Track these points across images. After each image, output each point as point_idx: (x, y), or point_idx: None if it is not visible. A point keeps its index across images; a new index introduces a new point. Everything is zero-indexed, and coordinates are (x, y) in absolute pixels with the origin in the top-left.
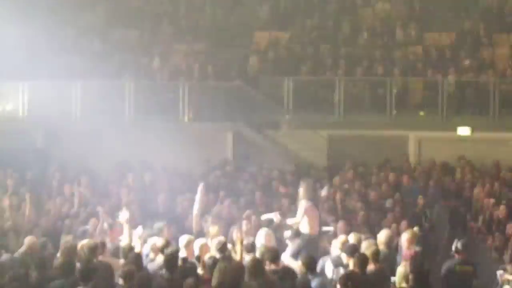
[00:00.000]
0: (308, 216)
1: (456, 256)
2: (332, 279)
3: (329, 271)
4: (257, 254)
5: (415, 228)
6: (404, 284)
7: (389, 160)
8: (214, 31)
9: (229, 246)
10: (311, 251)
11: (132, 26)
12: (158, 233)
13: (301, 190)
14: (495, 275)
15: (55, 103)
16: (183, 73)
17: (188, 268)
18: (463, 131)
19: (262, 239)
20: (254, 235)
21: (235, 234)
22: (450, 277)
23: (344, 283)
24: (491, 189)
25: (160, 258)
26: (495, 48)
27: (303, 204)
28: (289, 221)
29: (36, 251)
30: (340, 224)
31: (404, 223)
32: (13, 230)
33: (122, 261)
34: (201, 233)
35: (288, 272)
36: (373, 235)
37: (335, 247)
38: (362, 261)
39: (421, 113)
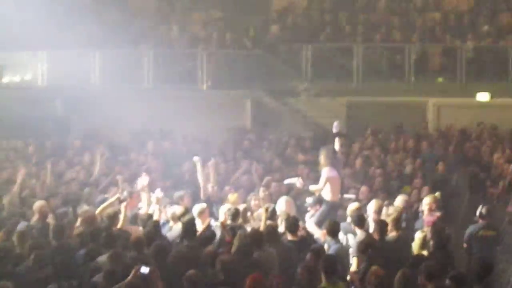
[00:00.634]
0: (331, 183)
1: (480, 221)
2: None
3: (340, 238)
4: (279, 222)
5: (437, 193)
6: (423, 251)
7: (408, 126)
8: None
9: (249, 214)
10: (335, 217)
11: None
12: (178, 201)
13: (322, 158)
14: None
15: (74, 72)
16: (201, 41)
17: (207, 236)
18: (482, 96)
19: (282, 206)
20: (274, 202)
21: (252, 201)
22: (473, 242)
23: (362, 250)
24: (510, 154)
25: (178, 227)
26: None
27: (325, 171)
28: (312, 187)
29: (46, 216)
30: (363, 189)
31: (425, 189)
32: (32, 198)
33: (141, 229)
34: (220, 201)
35: (305, 241)
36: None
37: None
38: (382, 227)
39: (440, 79)
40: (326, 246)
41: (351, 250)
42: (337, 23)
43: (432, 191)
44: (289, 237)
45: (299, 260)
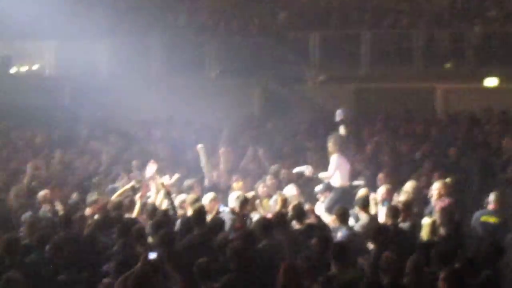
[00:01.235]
0: (340, 170)
1: (488, 207)
2: None
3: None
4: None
5: (447, 179)
6: (433, 237)
7: (417, 112)
8: None
9: (257, 201)
10: (345, 203)
11: None
12: (188, 190)
13: (330, 144)
14: None
15: (81, 61)
16: (209, 30)
17: (217, 223)
18: (490, 82)
19: (290, 194)
20: (282, 189)
21: (260, 188)
22: (476, 228)
23: (375, 237)
24: None
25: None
26: None
27: (334, 158)
28: (321, 175)
29: (52, 205)
30: (381, 176)
31: (436, 175)
32: (40, 189)
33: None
34: (227, 189)
35: (312, 229)
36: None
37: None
38: (394, 213)
39: (448, 65)
40: (338, 233)
41: None
42: (345, 9)
43: (442, 176)
44: (296, 225)
45: (306, 247)
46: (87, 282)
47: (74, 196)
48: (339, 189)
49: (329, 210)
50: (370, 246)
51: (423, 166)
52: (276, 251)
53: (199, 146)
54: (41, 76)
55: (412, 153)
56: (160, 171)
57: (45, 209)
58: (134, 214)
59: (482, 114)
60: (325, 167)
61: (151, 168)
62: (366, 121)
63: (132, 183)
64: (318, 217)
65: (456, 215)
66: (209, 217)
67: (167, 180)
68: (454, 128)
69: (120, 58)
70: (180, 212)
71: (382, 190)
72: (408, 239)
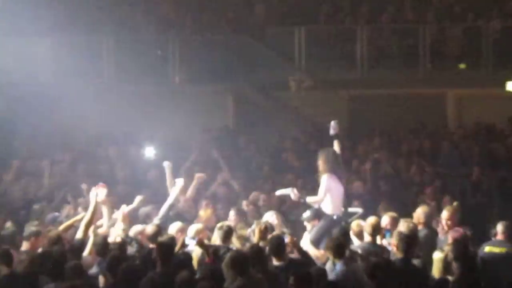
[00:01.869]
0: (331, 193)
1: (496, 238)
2: None
3: None
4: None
5: (455, 203)
6: (446, 274)
7: (424, 124)
8: None
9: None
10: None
11: None
12: (145, 219)
13: (320, 163)
14: None
15: (20, 63)
16: (172, 26)
17: (182, 259)
18: None
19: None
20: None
21: (232, 217)
22: (482, 261)
23: (370, 274)
24: None
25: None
26: None
27: (325, 179)
28: (309, 199)
29: None
30: (384, 205)
31: (446, 199)
32: None
33: None
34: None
35: (294, 265)
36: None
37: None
38: (408, 243)
39: (461, 66)
40: (328, 269)
41: None
42: (337, 0)
43: (454, 200)
44: (275, 261)
45: None
46: None
47: (8, 225)
48: (329, 216)
49: (317, 242)
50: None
51: (431, 189)
52: None
53: (166, 163)
54: None
55: (419, 174)
56: (118, 197)
57: None
58: (86, 251)
59: (504, 124)
60: (314, 190)
61: (101, 192)
62: (362, 135)
63: (82, 214)
64: (302, 251)
65: (470, 248)
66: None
67: (125, 209)
68: (469, 143)
69: (66, 60)
70: (134, 245)
71: (386, 219)
72: (419, 277)
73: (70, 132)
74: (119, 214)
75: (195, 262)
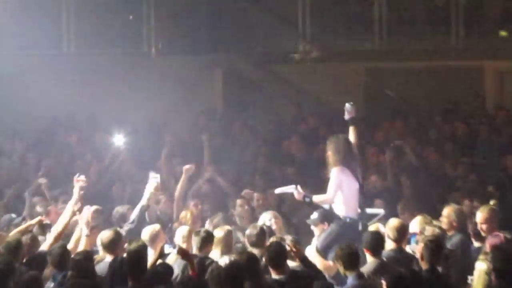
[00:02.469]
0: (344, 190)
1: None
2: None
3: None
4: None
5: (492, 202)
6: None
7: (457, 105)
8: None
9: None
10: (351, 240)
11: None
12: (119, 222)
13: (330, 153)
14: None
15: None
16: None
17: (160, 272)
18: None
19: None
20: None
21: (208, 224)
22: None
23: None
24: None
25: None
26: None
27: (335, 173)
28: (316, 198)
29: None
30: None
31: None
32: None
33: None
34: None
35: (296, 279)
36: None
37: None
38: (434, 253)
39: (502, 33)
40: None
41: None
42: None
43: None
44: (273, 274)
45: None
46: None
47: None
48: (341, 220)
49: (325, 250)
50: None
51: (465, 185)
52: None
53: (153, 176)
54: None
55: (451, 165)
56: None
57: None
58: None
59: None
60: (321, 188)
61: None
62: (380, 118)
63: (39, 217)
64: (307, 261)
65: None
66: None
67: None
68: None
69: (12, 27)
70: (100, 253)
71: (415, 222)
72: None
73: (20, 117)
74: (82, 216)
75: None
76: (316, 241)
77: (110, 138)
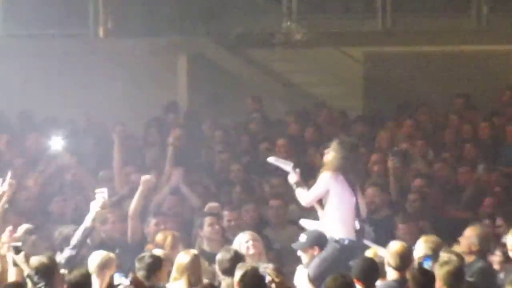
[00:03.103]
0: (333, 203)
1: None
2: None
3: None
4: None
5: None
6: None
7: (478, 98)
8: None
9: None
10: (347, 267)
11: None
12: (62, 244)
13: (330, 157)
14: None
15: None
16: None
17: None
18: None
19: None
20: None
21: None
22: None
23: None
24: None
25: None
26: None
27: (325, 176)
28: (298, 192)
29: None
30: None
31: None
32: None
33: None
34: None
35: None
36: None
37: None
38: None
39: None
40: None
41: None
42: None
43: None
44: None
45: None
46: None
47: None
48: (338, 241)
49: (319, 280)
50: None
51: (489, 200)
52: None
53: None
54: None
55: (470, 175)
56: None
57: None
58: None
59: None
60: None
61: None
62: (383, 114)
63: None
64: None
65: None
66: None
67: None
68: None
69: None
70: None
71: (420, 245)
72: None
73: None
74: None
75: None
76: (304, 270)
77: (46, 140)
